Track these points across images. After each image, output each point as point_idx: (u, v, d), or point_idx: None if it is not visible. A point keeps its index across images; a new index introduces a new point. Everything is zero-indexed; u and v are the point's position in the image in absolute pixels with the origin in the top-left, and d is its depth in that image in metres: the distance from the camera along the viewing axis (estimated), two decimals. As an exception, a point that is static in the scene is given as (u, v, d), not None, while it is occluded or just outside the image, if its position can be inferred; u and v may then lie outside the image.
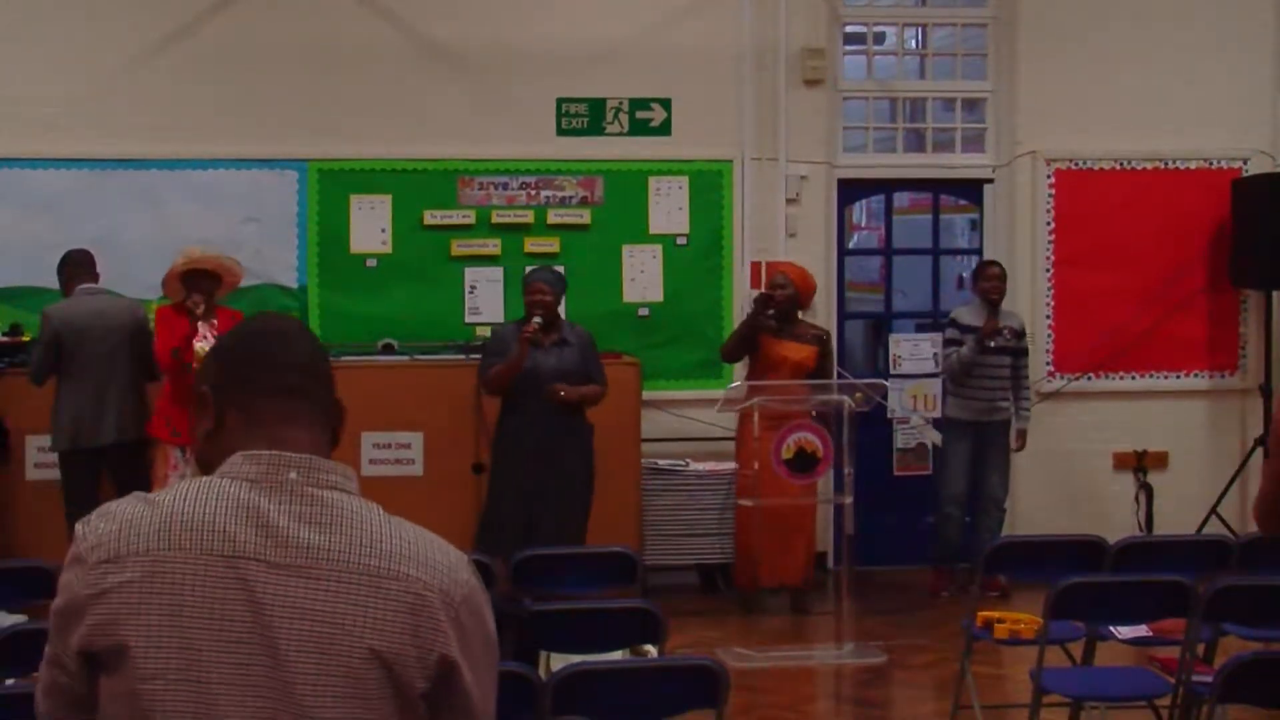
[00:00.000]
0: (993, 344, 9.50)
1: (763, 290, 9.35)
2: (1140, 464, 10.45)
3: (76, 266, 8.58)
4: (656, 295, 10.07)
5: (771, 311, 9.07)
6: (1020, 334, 9.68)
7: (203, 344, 8.19)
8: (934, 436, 9.80)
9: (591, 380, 8.45)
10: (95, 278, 8.57)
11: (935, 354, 9.66)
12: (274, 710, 2.12)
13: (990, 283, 9.62)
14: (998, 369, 9.57)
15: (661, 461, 9.66)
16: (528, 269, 8.86)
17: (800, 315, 9.32)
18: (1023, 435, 9.72)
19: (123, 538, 2.18)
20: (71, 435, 8.27)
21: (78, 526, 2.25)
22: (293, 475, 2.23)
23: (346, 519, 2.21)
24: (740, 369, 9.47)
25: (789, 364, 9.03)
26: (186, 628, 2.13)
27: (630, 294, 10.05)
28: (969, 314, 9.67)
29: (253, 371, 2.33)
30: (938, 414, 9.71)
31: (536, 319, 8.27)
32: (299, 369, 2.34)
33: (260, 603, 2.14)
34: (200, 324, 8.21)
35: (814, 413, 8.81)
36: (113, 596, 2.16)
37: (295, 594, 2.15)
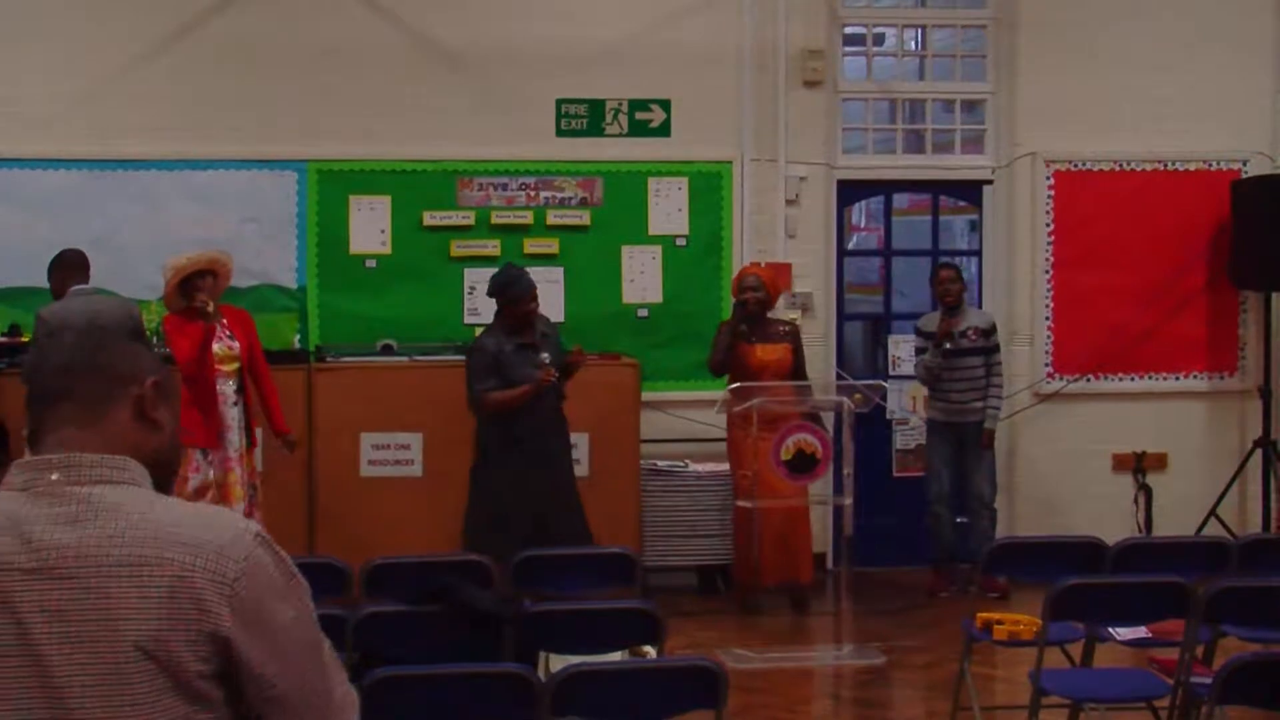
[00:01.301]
0: (949, 346, 9.50)
1: (735, 297, 9.33)
2: (1139, 465, 10.45)
3: (69, 268, 8.55)
4: (656, 296, 10.07)
5: (744, 319, 9.06)
6: (988, 332, 9.66)
7: (219, 345, 8.17)
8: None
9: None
10: (87, 279, 8.55)
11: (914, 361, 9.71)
12: (41, 717, 2.11)
13: (941, 285, 9.65)
14: (968, 370, 9.57)
15: (660, 463, 9.66)
16: (504, 274, 8.52)
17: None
18: (989, 435, 9.67)
19: None
20: None
21: None
22: (54, 476, 2.21)
23: (105, 512, 2.17)
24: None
25: (768, 368, 9.03)
26: None
27: (630, 295, 10.05)
28: (929, 321, 9.70)
29: (31, 387, 2.35)
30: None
31: (545, 356, 8.14)
32: (56, 371, 2.31)
33: (18, 611, 2.12)
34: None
35: (811, 412, 8.81)
36: None
37: (52, 597, 2.12)
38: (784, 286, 9.52)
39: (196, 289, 8.13)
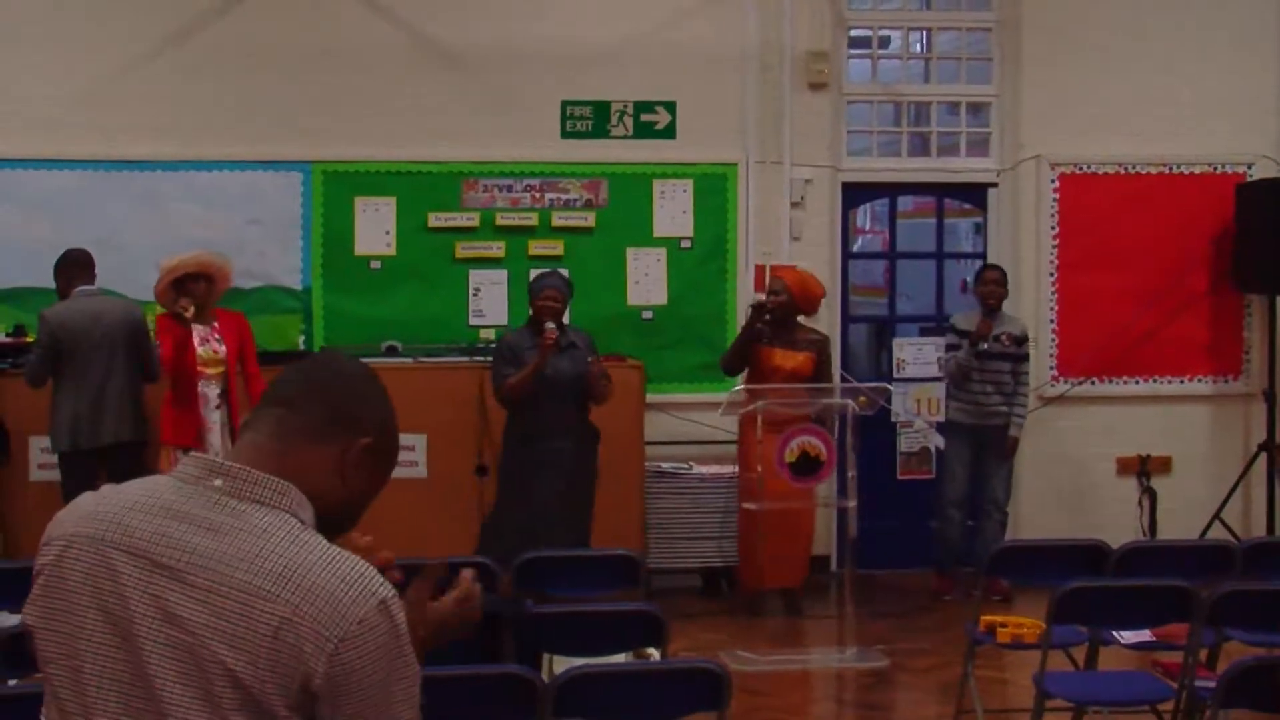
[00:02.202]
0: (984, 347, 9.50)
1: (760, 298, 9.34)
2: (1143, 468, 10.44)
3: (74, 267, 8.55)
4: (660, 298, 10.07)
5: (768, 317, 9.04)
6: (1020, 340, 9.65)
7: (204, 348, 8.20)
8: (937, 440, 9.81)
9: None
10: (93, 279, 8.55)
11: (939, 358, 9.67)
12: (134, 708, 2.12)
13: (986, 287, 9.63)
14: (996, 374, 9.57)
15: (665, 464, 9.66)
16: (534, 272, 8.80)
17: (801, 320, 9.28)
18: (1014, 442, 9.67)
19: (62, 521, 2.26)
20: (70, 436, 8.27)
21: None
22: (218, 482, 2.22)
23: (248, 532, 2.16)
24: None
25: (781, 373, 8.99)
26: (74, 614, 2.17)
27: (634, 297, 10.05)
28: (966, 319, 9.69)
29: (280, 380, 2.39)
30: (941, 418, 9.71)
31: (551, 325, 8.23)
32: (299, 380, 2.35)
33: (131, 600, 2.14)
34: (200, 327, 8.22)
35: (813, 416, 8.80)
36: (38, 579, 2.24)
37: (168, 597, 2.13)
38: (816, 295, 9.34)
39: (185, 292, 8.16)
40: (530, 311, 8.46)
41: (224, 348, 8.30)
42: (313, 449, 2.29)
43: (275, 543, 2.16)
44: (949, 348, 9.64)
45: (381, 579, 2.20)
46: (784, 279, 9.22)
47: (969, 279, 10.70)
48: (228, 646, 2.09)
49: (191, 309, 8.12)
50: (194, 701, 2.10)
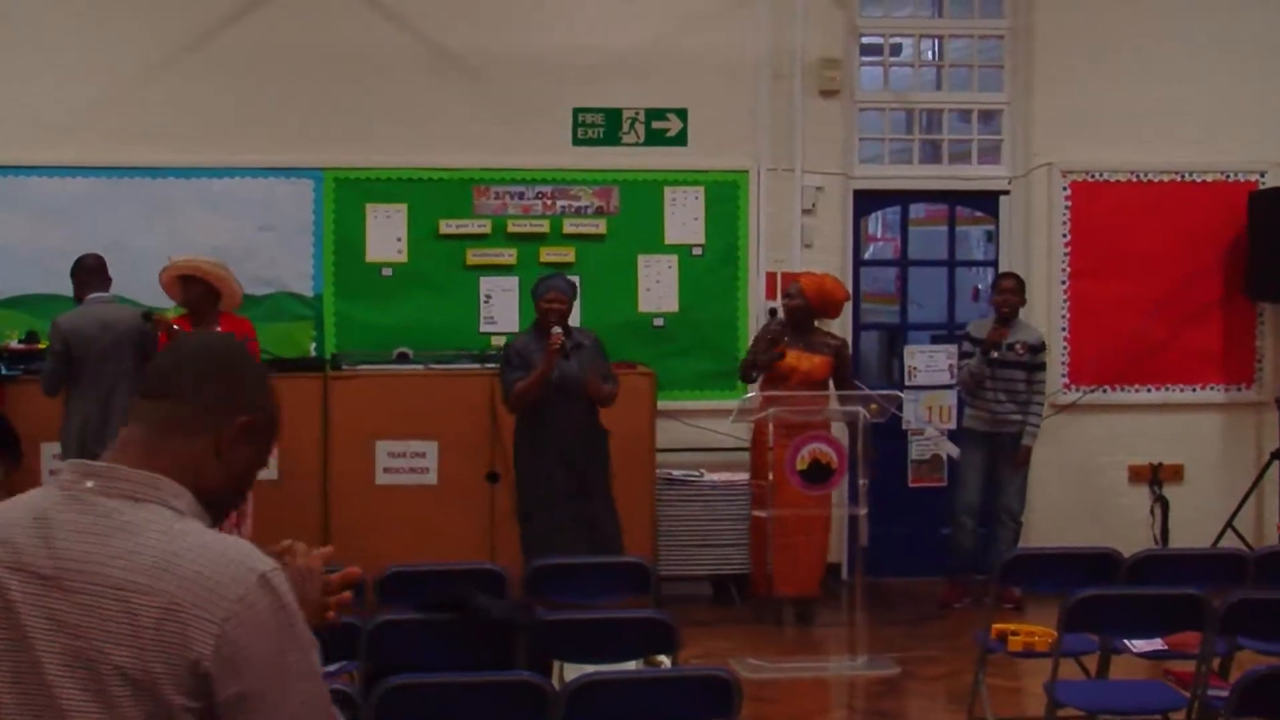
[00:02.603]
0: (995, 355, 9.48)
1: (776, 304, 9.35)
2: (1155, 476, 10.43)
3: (87, 273, 8.58)
4: (672, 305, 10.07)
5: (779, 351, 9.03)
6: (1036, 349, 9.63)
7: None
8: (949, 448, 9.80)
9: (603, 380, 8.46)
10: (106, 285, 8.58)
11: (950, 365, 9.66)
12: None
13: (1001, 295, 9.62)
14: (1010, 382, 9.55)
15: (676, 472, 9.66)
16: (538, 277, 8.81)
17: (818, 324, 9.28)
18: (1026, 451, 9.63)
19: None
20: (79, 444, 8.28)
21: None
22: (89, 484, 2.22)
23: (120, 530, 2.17)
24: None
25: (797, 375, 9.00)
26: None
27: (645, 304, 10.05)
28: (980, 327, 9.67)
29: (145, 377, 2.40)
30: (953, 426, 9.70)
31: (558, 329, 8.23)
32: (164, 370, 2.35)
33: (23, 615, 2.14)
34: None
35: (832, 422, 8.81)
36: None
37: (56, 607, 2.14)
38: (836, 299, 9.25)
39: (188, 294, 8.23)
40: (536, 315, 8.46)
41: None
42: (189, 436, 2.29)
43: (147, 537, 2.16)
44: (963, 355, 9.63)
45: (261, 555, 2.21)
46: (800, 282, 9.22)
47: (982, 286, 10.71)
48: (114, 645, 2.10)
49: (168, 314, 8.23)
50: (91, 704, 2.11)
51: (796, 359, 9.05)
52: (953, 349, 9.73)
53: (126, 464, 2.24)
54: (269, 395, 2.41)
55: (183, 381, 2.32)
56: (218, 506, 2.32)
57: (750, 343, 9.50)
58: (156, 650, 2.10)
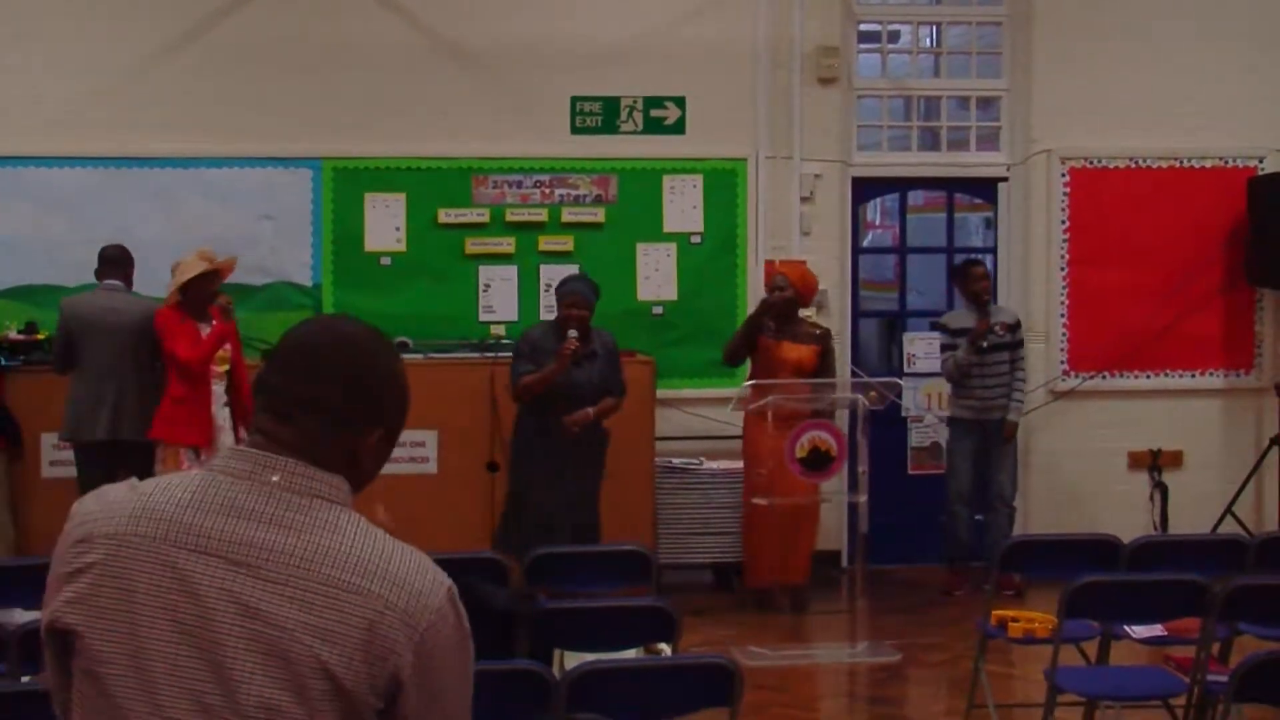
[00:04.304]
0: (986, 344, 9.51)
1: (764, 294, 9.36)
2: (1155, 463, 10.43)
3: (103, 263, 8.63)
4: (671, 294, 10.08)
5: (771, 324, 9.06)
6: (1015, 327, 9.68)
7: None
8: (948, 435, 9.80)
9: (609, 392, 8.43)
10: (121, 275, 8.58)
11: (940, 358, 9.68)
12: (213, 706, 2.10)
13: (978, 283, 9.65)
14: (996, 366, 9.59)
15: (675, 460, 9.66)
16: (563, 278, 8.66)
17: (802, 314, 9.31)
18: (1013, 427, 9.68)
19: (100, 519, 2.20)
20: (73, 427, 8.31)
21: (75, 504, 2.29)
22: (275, 478, 2.20)
23: (320, 526, 2.17)
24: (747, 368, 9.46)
25: (788, 365, 9.02)
26: (137, 615, 2.13)
27: (644, 292, 10.05)
28: (957, 318, 9.69)
29: (282, 366, 2.30)
30: (951, 413, 9.71)
31: (573, 333, 8.19)
32: (318, 377, 2.27)
33: (208, 597, 2.12)
34: (202, 325, 8.22)
35: (823, 411, 8.81)
36: (81, 578, 2.18)
37: (248, 593, 2.11)
38: (815, 286, 9.45)
39: (212, 290, 8.20)
40: (558, 312, 8.42)
41: (228, 346, 8.32)
42: (334, 442, 2.27)
43: (351, 537, 2.17)
44: (944, 348, 9.65)
45: (439, 568, 2.25)
46: (788, 274, 9.24)
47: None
48: (321, 641, 2.10)
49: (231, 303, 8.20)
50: (281, 695, 2.09)
51: (788, 349, 9.07)
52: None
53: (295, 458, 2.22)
54: (406, 397, 2.37)
55: (330, 385, 2.26)
56: None
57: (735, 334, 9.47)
58: (365, 652, 2.10)
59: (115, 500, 2.23)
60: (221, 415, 8.24)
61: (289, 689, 2.09)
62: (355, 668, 2.10)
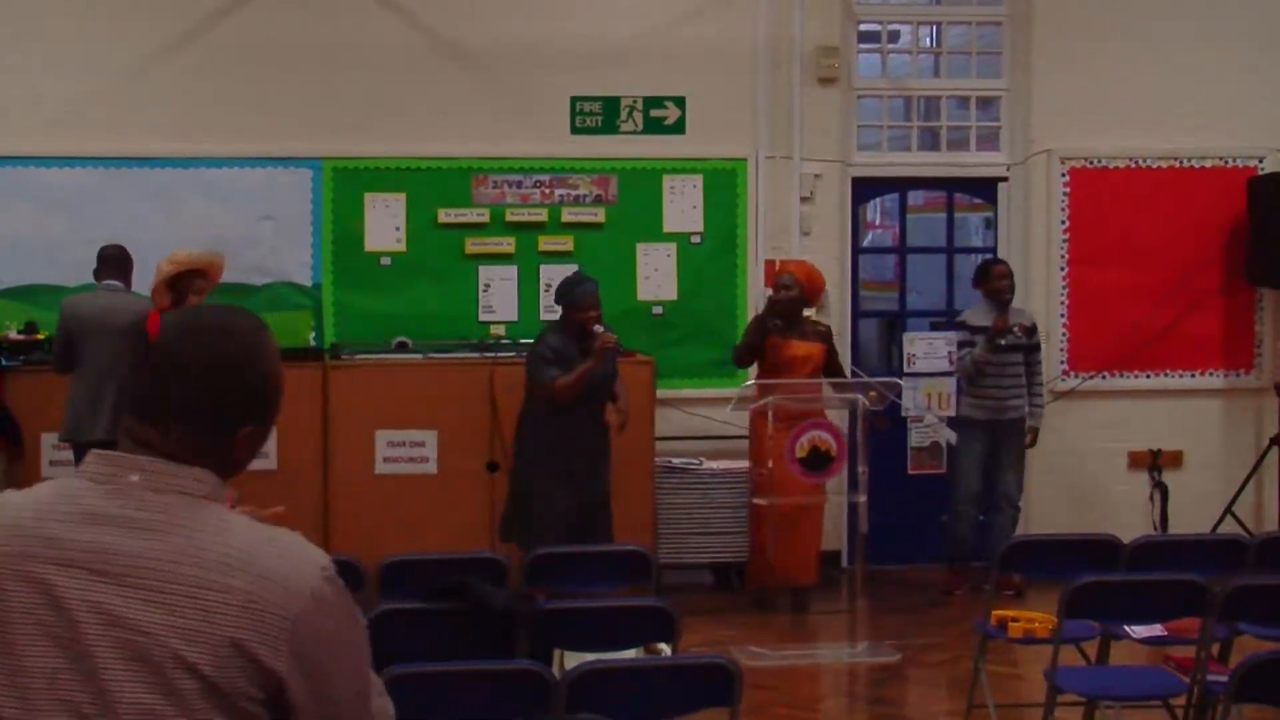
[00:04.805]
0: (1004, 342, 9.51)
1: (770, 293, 9.37)
2: (1155, 463, 10.43)
3: (101, 263, 8.65)
4: (670, 294, 10.08)
5: (778, 322, 9.08)
6: (1031, 330, 9.69)
7: None
8: (948, 435, 9.79)
9: (614, 385, 8.52)
10: (120, 275, 8.59)
11: (949, 352, 9.66)
12: (91, 717, 2.09)
13: (1001, 282, 9.64)
14: (1011, 367, 9.58)
15: (675, 460, 9.66)
16: (567, 282, 8.60)
17: (805, 312, 9.32)
18: (1035, 433, 9.74)
19: None
20: (72, 428, 8.31)
21: None
22: (134, 478, 2.18)
23: (180, 525, 2.14)
24: (754, 368, 9.46)
25: (798, 362, 9.04)
26: (11, 634, 2.12)
27: (644, 292, 10.05)
28: (978, 315, 9.68)
29: (150, 370, 2.27)
30: (952, 413, 9.70)
31: (599, 327, 8.23)
32: (187, 376, 2.24)
33: (74, 610, 2.10)
34: None
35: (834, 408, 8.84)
36: None
37: (112, 602, 2.10)
38: (820, 285, 9.45)
39: (189, 289, 8.13)
40: (566, 318, 8.40)
41: None
42: (202, 439, 2.24)
43: (213, 533, 2.15)
44: (961, 345, 9.63)
45: (314, 546, 2.21)
46: (794, 273, 9.25)
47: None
48: (187, 642, 2.08)
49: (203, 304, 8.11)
50: (154, 699, 2.08)
51: (799, 347, 9.09)
52: (952, 336, 9.72)
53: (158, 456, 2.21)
54: (275, 392, 2.34)
55: (190, 395, 2.23)
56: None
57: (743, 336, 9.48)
58: (231, 648, 2.09)
59: None
60: None
61: (160, 692, 2.08)
62: (225, 665, 2.09)
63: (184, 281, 8.15)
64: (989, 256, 10.31)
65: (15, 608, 2.13)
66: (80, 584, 2.12)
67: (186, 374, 2.24)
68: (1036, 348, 9.74)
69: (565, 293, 8.47)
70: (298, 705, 2.13)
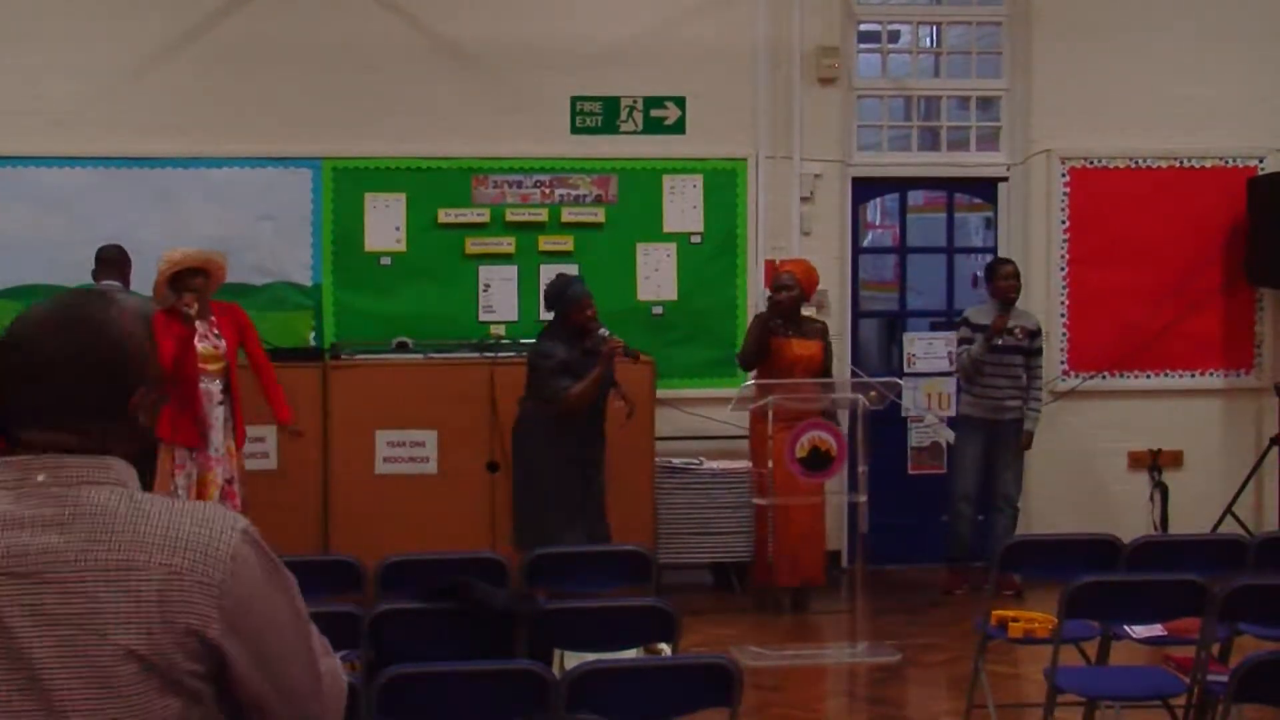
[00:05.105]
0: (1000, 341, 9.51)
1: (769, 294, 9.36)
2: (1155, 463, 10.43)
3: (100, 264, 8.66)
4: (671, 294, 10.07)
5: (778, 315, 9.10)
6: (1034, 334, 9.68)
7: (204, 344, 8.14)
8: (948, 435, 9.79)
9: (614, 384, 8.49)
10: (122, 276, 8.59)
11: (949, 352, 9.66)
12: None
13: (1007, 281, 9.63)
14: (1010, 368, 9.58)
15: (675, 460, 9.66)
16: (557, 284, 8.59)
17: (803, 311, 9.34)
18: (1029, 436, 9.71)
19: None
20: None
21: None
22: (40, 478, 2.17)
23: (91, 515, 2.14)
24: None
25: (800, 362, 9.05)
26: None
27: (644, 292, 10.05)
28: (981, 313, 9.68)
29: (11, 372, 2.24)
30: (952, 413, 9.70)
31: (604, 331, 8.21)
32: (50, 366, 2.22)
33: (5, 617, 2.09)
34: (199, 323, 8.15)
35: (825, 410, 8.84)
36: None
37: (41, 602, 2.09)
38: (817, 282, 9.47)
39: (186, 288, 8.08)
40: (562, 321, 8.36)
41: (223, 342, 8.23)
42: (93, 431, 2.23)
43: (124, 516, 2.15)
44: (961, 342, 9.64)
45: (230, 510, 2.23)
46: (793, 272, 9.26)
47: (979, 274, 10.71)
48: (117, 626, 2.08)
49: (195, 306, 8.06)
50: (95, 695, 2.08)
51: (799, 347, 9.10)
52: (952, 336, 9.72)
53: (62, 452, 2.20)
54: (144, 355, 2.30)
55: (66, 396, 2.21)
56: (145, 460, 2.31)
57: (746, 334, 9.48)
58: (162, 623, 2.09)
59: None
60: (215, 414, 8.16)
61: (103, 686, 2.08)
62: (158, 641, 2.09)
63: (183, 280, 8.10)
64: (1000, 256, 10.29)
65: None
66: (6, 590, 2.11)
67: (43, 375, 2.22)
68: (1038, 352, 9.72)
69: (557, 296, 8.43)
70: (241, 674, 2.15)
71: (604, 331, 8.22)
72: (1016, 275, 9.70)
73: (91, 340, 2.25)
